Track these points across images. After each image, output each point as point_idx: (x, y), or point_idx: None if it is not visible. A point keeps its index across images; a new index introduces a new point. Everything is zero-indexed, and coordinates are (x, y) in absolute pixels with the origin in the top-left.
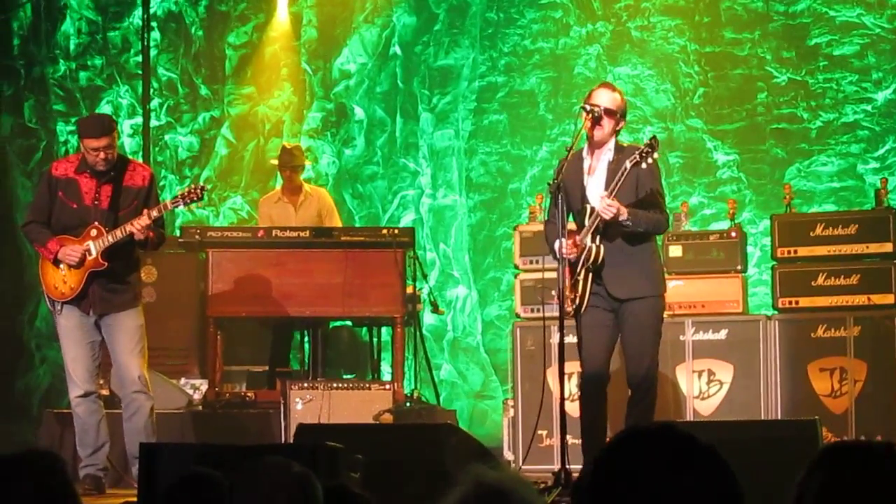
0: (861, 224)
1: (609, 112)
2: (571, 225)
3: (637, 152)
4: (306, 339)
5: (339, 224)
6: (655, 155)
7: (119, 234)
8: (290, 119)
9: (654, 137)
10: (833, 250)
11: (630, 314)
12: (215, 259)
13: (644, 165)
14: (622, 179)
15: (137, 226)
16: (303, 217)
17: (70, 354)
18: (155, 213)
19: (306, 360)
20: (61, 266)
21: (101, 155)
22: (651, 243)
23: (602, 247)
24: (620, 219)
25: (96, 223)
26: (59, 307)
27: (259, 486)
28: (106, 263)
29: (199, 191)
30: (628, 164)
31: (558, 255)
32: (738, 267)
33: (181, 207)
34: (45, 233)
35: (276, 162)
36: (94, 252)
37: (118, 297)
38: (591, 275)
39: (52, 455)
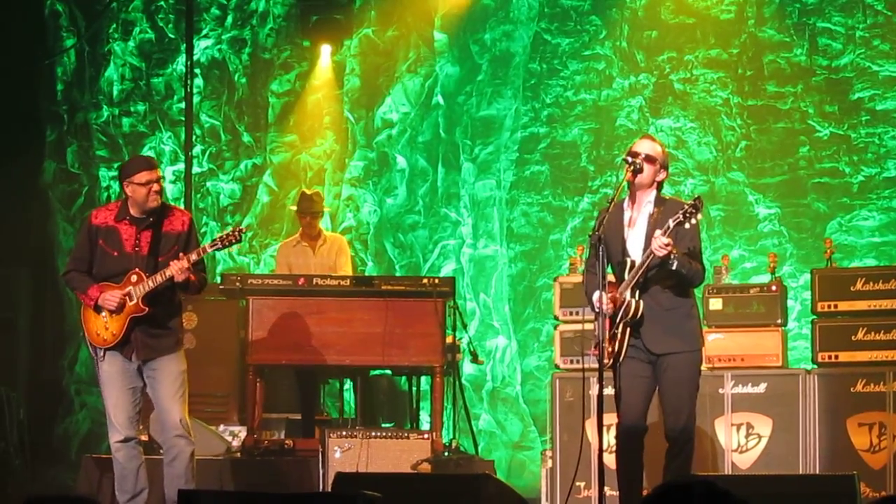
0: None
1: (650, 159)
2: (611, 276)
3: (681, 211)
4: (346, 387)
5: (348, 271)
6: (699, 216)
7: (159, 278)
8: (332, 167)
9: (700, 199)
10: (873, 305)
11: (668, 368)
12: (256, 306)
13: (687, 226)
14: (665, 235)
15: (176, 269)
16: (321, 261)
17: (111, 400)
18: (194, 257)
19: (351, 408)
20: (103, 313)
21: (156, 187)
22: (690, 299)
23: (641, 302)
24: (670, 258)
25: (137, 269)
26: (101, 354)
27: None
28: (147, 309)
29: (237, 233)
30: (671, 223)
31: (597, 308)
32: (778, 321)
33: (220, 250)
34: (86, 280)
35: (294, 208)
36: (134, 297)
37: (160, 343)
38: (629, 328)
39: (90, 501)
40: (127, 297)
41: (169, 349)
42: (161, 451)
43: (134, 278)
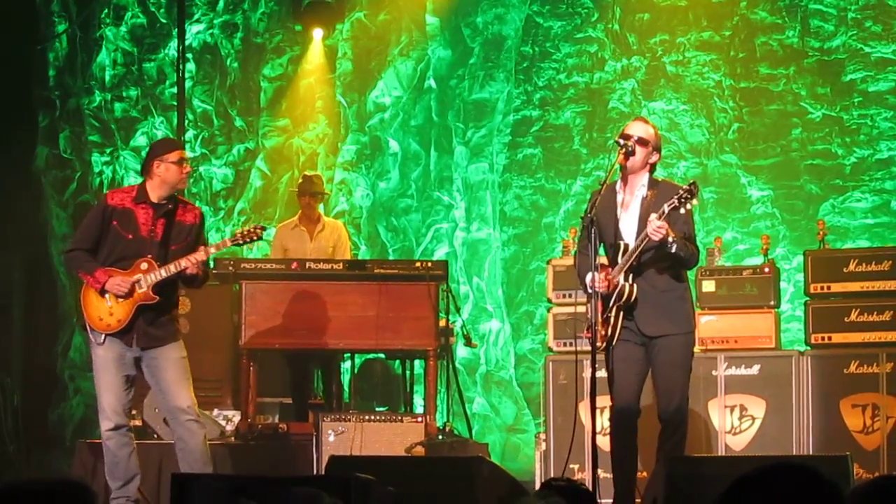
0: (894, 260)
1: (642, 141)
2: (603, 259)
3: (676, 196)
4: (344, 370)
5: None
6: (695, 201)
7: (173, 268)
8: (324, 151)
9: (695, 183)
10: (866, 286)
11: (661, 350)
12: (249, 291)
13: (682, 211)
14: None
15: (193, 260)
16: (318, 247)
17: (104, 387)
18: (212, 250)
19: (345, 391)
20: (107, 297)
21: (188, 168)
22: (684, 282)
23: (635, 285)
24: (667, 240)
25: (149, 256)
26: (101, 338)
27: None
28: (157, 298)
29: (258, 230)
30: (666, 208)
31: (589, 288)
32: (772, 302)
33: (240, 246)
34: (92, 261)
35: (295, 190)
36: (144, 285)
37: (161, 331)
38: (622, 312)
39: (82, 486)
40: (136, 285)
41: (169, 338)
42: (155, 436)
43: (144, 266)
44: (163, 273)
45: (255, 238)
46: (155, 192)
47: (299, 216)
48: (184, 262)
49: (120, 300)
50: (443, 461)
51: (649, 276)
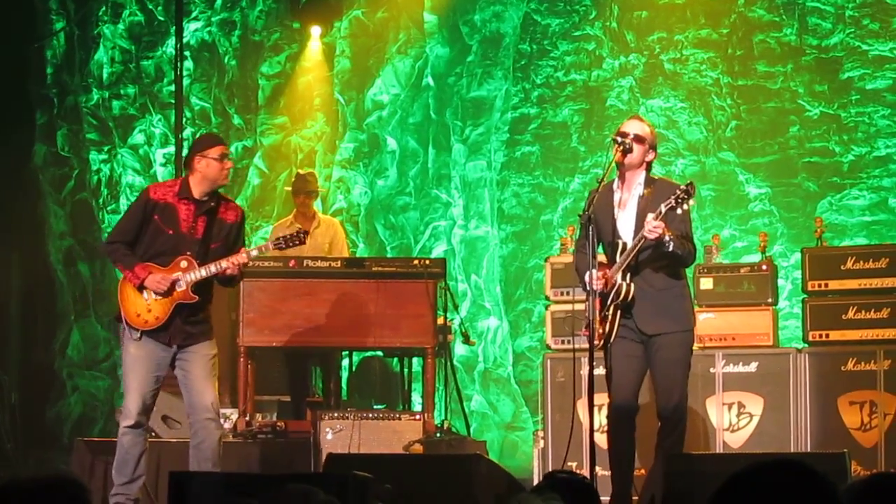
0: (892, 258)
1: (638, 139)
2: (602, 257)
3: (673, 197)
4: (341, 368)
5: (345, 255)
6: (692, 202)
7: (213, 268)
8: (322, 149)
9: (692, 184)
10: (864, 284)
11: (659, 348)
12: (247, 289)
13: (679, 211)
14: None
15: (234, 262)
16: (314, 244)
17: (133, 384)
18: (254, 253)
19: (343, 389)
20: (145, 293)
21: (229, 164)
22: (682, 280)
23: (632, 284)
24: (664, 239)
25: (188, 254)
26: (137, 334)
27: None
28: (197, 297)
29: (301, 235)
30: (663, 209)
31: (588, 287)
32: (769, 300)
33: (283, 250)
34: (132, 256)
35: (290, 189)
36: (183, 284)
37: (197, 328)
38: (619, 310)
39: (77, 482)
40: (175, 283)
41: (205, 335)
42: (153, 434)
43: (184, 264)
44: (203, 273)
45: (297, 243)
46: (197, 188)
47: (294, 214)
48: (224, 264)
49: (158, 297)
50: (441, 459)
51: (647, 275)
